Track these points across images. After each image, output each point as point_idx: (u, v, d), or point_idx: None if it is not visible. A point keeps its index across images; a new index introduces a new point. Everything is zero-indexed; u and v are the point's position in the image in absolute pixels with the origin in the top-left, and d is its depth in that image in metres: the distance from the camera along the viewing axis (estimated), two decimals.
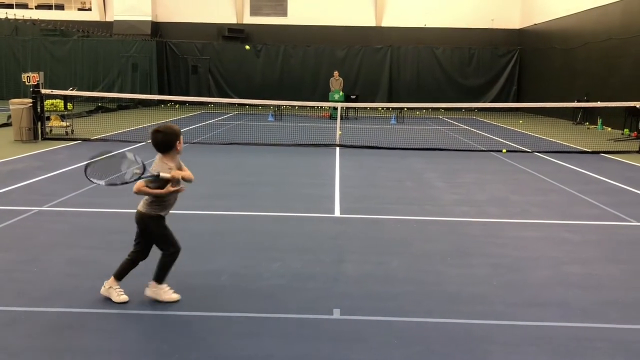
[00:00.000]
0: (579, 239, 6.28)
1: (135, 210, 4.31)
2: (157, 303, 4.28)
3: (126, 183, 4.10)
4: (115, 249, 5.53)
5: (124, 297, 4.30)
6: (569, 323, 4.13)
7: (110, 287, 4.34)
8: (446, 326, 4.04)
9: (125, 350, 3.62)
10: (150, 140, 4.25)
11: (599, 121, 19.85)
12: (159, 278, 4.33)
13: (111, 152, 4.24)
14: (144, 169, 4.11)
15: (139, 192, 4.16)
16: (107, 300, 4.31)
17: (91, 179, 4.10)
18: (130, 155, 4.16)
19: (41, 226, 6.33)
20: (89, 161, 4.11)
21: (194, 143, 13.64)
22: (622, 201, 8.20)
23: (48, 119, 14.26)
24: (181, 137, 4.30)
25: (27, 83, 14.05)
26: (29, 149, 12.12)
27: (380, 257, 5.53)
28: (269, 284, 4.74)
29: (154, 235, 4.33)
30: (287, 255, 5.49)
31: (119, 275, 4.36)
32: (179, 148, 4.27)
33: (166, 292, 4.34)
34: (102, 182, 4.11)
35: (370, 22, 30.67)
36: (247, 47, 12.30)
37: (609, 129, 19.39)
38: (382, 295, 4.57)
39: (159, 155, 4.26)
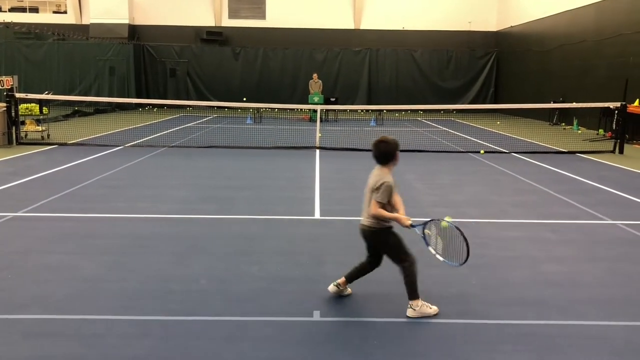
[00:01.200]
0: (556, 238, 6.35)
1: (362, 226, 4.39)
2: (135, 308, 4.23)
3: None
4: (91, 253, 5.46)
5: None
6: (548, 321, 4.17)
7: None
8: (426, 326, 4.06)
9: (104, 356, 3.56)
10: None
11: (575, 122, 20.15)
12: (410, 294, 4.26)
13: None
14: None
15: (379, 217, 4.20)
16: (85, 306, 4.24)
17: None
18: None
19: (16, 232, 6.21)
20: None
21: (172, 146, 13.54)
22: (598, 200, 8.32)
23: (23, 123, 14.03)
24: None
25: (0, 87, 13.82)
26: (3, 154, 11.90)
27: (359, 258, 5.50)
28: (249, 287, 4.71)
29: (384, 247, 4.37)
30: (267, 257, 5.47)
31: (351, 278, 4.52)
32: (397, 159, 4.27)
33: (425, 306, 4.24)
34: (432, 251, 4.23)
35: (349, 24, 30.76)
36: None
37: (584, 129, 19.70)
38: (361, 296, 4.57)
39: (378, 167, 4.24)
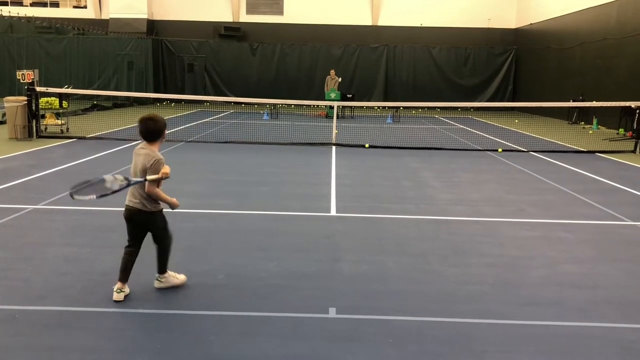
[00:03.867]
0: (574, 239, 6.29)
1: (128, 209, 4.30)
2: (152, 301, 4.27)
3: (116, 192, 4.03)
4: (109, 246, 5.51)
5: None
6: (565, 322, 4.13)
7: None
8: (442, 325, 4.04)
9: (121, 349, 3.60)
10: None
11: (595, 121, 19.89)
12: (163, 268, 4.47)
13: (89, 180, 4.16)
14: (128, 180, 4.10)
15: (155, 196, 4.22)
16: (102, 299, 4.29)
17: (80, 198, 4.01)
18: (108, 177, 4.12)
19: (36, 224, 6.30)
20: (71, 190, 4.02)
21: (189, 141, 13.61)
22: (618, 201, 8.22)
23: (43, 116, 14.20)
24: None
25: (22, 81, 13.99)
26: (23, 147, 12.06)
27: (376, 256, 5.53)
28: (265, 284, 4.72)
29: (157, 229, 4.39)
30: (283, 254, 5.48)
31: (125, 277, 4.34)
32: (164, 138, 4.36)
33: (174, 277, 4.50)
34: (93, 197, 4.02)
35: (366, 21, 30.65)
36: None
37: (604, 128, 19.44)
38: (377, 294, 4.56)
39: (144, 144, 4.29)
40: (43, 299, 4.28)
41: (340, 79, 23.50)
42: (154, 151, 4.26)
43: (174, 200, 4.32)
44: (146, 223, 4.35)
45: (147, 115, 4.34)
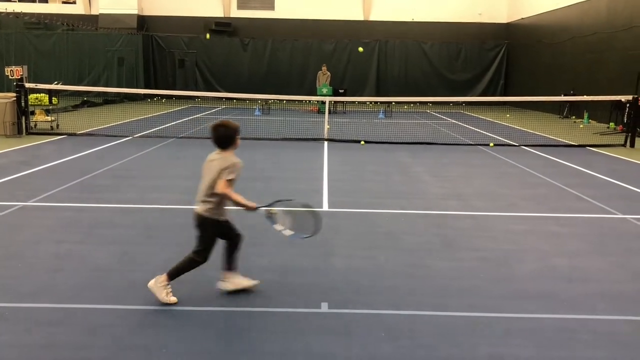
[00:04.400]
0: (566, 232, 6.31)
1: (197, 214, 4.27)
2: (145, 298, 4.24)
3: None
4: (101, 243, 5.48)
5: (173, 299, 4.19)
6: (556, 315, 4.15)
7: (162, 284, 4.19)
8: (434, 319, 4.05)
9: (112, 345, 3.58)
10: (211, 136, 4.20)
11: (585, 115, 20.00)
12: (232, 266, 4.39)
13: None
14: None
15: (235, 202, 4.16)
16: (92, 295, 4.26)
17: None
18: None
19: (26, 221, 6.25)
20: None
21: (180, 137, 13.56)
22: (609, 194, 8.26)
23: (32, 113, 14.09)
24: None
25: (10, 77, 13.88)
26: (13, 143, 11.96)
27: (368, 251, 5.53)
28: (258, 279, 4.70)
29: (209, 238, 4.28)
30: (275, 249, 5.47)
31: (173, 275, 4.24)
32: (238, 143, 4.25)
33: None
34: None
35: (358, 16, 30.59)
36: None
37: (595, 122, 19.54)
38: (370, 288, 4.57)
39: (218, 152, 4.20)
40: (34, 296, 4.25)
41: (329, 74, 23.48)
42: (229, 157, 4.15)
43: (245, 201, 4.21)
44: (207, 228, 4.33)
45: (219, 121, 4.24)
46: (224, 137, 4.19)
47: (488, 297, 4.46)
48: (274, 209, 4.35)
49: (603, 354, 3.61)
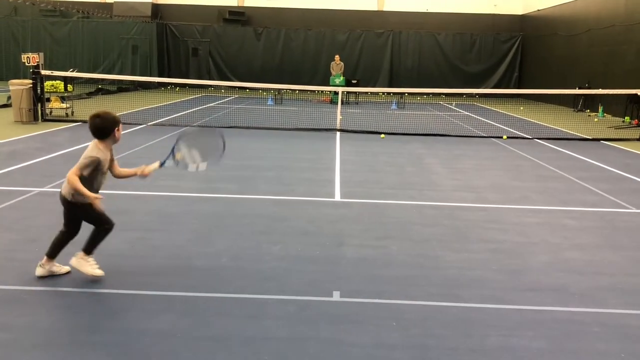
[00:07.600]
0: (578, 226, 6.30)
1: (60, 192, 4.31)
2: (155, 283, 4.30)
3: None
4: (114, 229, 5.54)
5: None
6: (567, 308, 4.16)
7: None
8: (445, 309, 4.07)
9: (127, 329, 3.64)
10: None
11: (600, 108, 19.80)
12: (88, 249, 4.34)
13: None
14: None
15: (76, 189, 4.10)
16: (107, 281, 4.33)
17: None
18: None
19: (42, 207, 6.34)
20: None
21: (193, 126, 13.62)
22: (622, 188, 8.21)
23: (48, 100, 14.21)
24: (120, 125, 4.30)
25: (27, 64, 14.00)
26: (29, 130, 12.09)
27: (379, 241, 5.56)
28: (270, 266, 4.76)
29: (83, 219, 4.34)
30: (287, 238, 5.51)
31: (52, 253, 4.32)
32: (117, 136, 4.27)
33: (91, 266, 4.33)
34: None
35: (372, 6, 30.42)
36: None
37: (610, 116, 19.36)
38: (381, 278, 4.60)
39: (94, 141, 4.25)
40: (50, 280, 4.32)
41: (342, 64, 23.41)
42: (93, 149, 4.20)
43: (89, 194, 4.14)
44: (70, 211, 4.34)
45: (97, 111, 4.26)
46: (99, 128, 4.21)
47: (499, 288, 4.47)
48: (179, 153, 4.34)
49: (614, 347, 3.62)
